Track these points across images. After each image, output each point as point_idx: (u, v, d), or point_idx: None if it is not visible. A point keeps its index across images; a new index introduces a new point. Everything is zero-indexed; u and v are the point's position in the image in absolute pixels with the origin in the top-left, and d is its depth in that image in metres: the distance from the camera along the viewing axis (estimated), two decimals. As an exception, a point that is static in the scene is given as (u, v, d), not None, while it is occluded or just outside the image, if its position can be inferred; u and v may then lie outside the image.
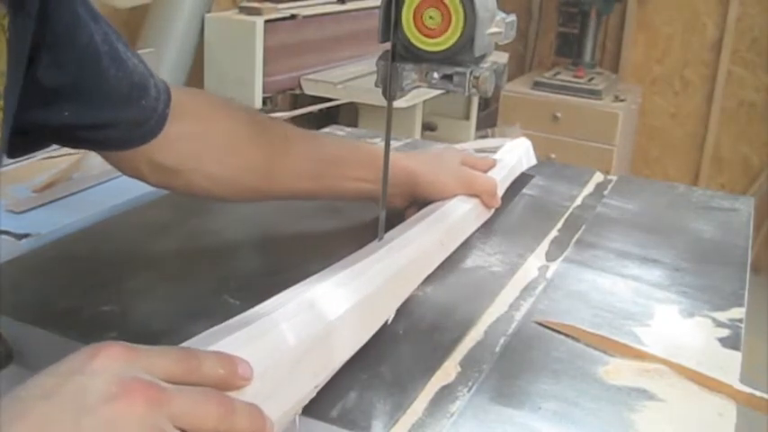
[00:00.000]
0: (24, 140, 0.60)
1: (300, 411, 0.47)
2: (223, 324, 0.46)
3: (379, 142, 1.04)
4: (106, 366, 0.36)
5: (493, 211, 0.83)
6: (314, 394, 0.48)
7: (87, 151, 0.96)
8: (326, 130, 1.15)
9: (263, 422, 0.40)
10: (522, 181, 0.93)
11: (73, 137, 0.63)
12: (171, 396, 0.37)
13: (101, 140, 0.64)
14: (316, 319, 0.50)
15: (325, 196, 0.77)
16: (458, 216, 0.76)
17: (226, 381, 0.40)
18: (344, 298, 0.54)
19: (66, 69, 0.57)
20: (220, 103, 0.73)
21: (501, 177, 0.85)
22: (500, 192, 0.84)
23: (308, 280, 0.56)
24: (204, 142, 0.69)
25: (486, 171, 0.84)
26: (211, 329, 0.46)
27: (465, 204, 0.78)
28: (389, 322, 0.59)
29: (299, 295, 0.52)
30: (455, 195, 0.78)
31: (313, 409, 0.48)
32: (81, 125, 0.61)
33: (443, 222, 0.73)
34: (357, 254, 0.62)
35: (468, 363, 0.56)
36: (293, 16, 2.11)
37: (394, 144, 0.88)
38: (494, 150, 0.96)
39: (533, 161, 1.00)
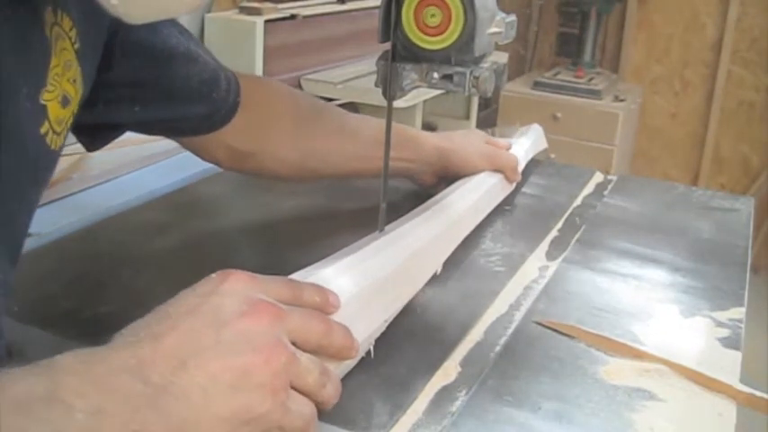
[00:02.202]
0: (102, 134, 0.67)
1: (373, 343, 0.54)
2: (309, 267, 0.54)
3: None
4: (235, 288, 0.44)
5: (515, 185, 0.90)
6: (384, 328, 0.56)
7: (87, 151, 0.96)
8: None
9: (353, 341, 0.48)
10: (530, 169, 0.97)
11: (145, 128, 0.71)
12: (287, 314, 0.44)
13: (173, 130, 0.72)
14: (382, 264, 0.58)
15: (370, 175, 0.82)
16: (487, 187, 0.83)
17: (321, 307, 0.48)
18: (402, 249, 0.62)
19: (140, 74, 0.63)
20: (284, 90, 0.80)
21: (520, 156, 0.92)
22: (520, 169, 0.91)
23: (359, 242, 0.61)
24: (273, 127, 0.75)
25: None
26: (300, 271, 0.53)
27: (491, 178, 0.86)
28: (438, 273, 0.68)
29: (368, 245, 0.60)
30: (482, 171, 0.85)
31: (313, 409, 0.48)
32: (152, 120, 0.68)
33: (475, 192, 0.81)
34: (357, 243, 0.62)
35: (468, 363, 0.56)
36: (293, 16, 2.11)
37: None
38: None
39: (545, 145, 1.06)
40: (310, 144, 0.77)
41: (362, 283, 0.54)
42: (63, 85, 0.49)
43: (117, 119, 0.66)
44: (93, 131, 0.66)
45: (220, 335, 0.41)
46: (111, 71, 0.60)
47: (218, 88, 0.69)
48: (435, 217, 0.71)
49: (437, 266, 0.68)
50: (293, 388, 0.43)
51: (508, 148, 0.92)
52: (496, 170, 0.87)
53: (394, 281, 0.58)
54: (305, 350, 0.44)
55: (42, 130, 0.47)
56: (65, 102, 0.49)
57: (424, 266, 0.66)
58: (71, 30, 0.50)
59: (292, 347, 0.43)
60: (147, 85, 0.65)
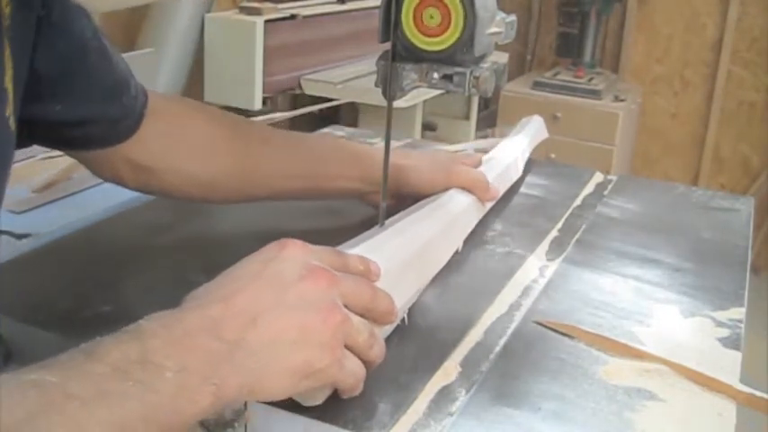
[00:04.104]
0: (23, 134, 0.61)
1: (407, 312, 0.58)
2: (350, 240, 0.58)
3: (379, 142, 1.04)
4: (293, 255, 0.47)
5: (489, 206, 0.81)
6: (415, 299, 0.60)
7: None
8: (326, 130, 1.15)
9: (394, 306, 0.52)
10: (529, 169, 0.97)
11: (58, 134, 0.64)
12: (340, 279, 0.48)
13: (82, 138, 0.65)
14: (414, 239, 0.62)
15: (312, 196, 0.78)
16: (458, 207, 0.75)
17: (364, 275, 0.52)
18: (429, 227, 0.66)
19: (60, 62, 0.59)
20: (197, 106, 0.74)
21: (497, 172, 0.84)
22: (515, 176, 0.91)
23: (362, 235, 0.62)
24: (180, 141, 0.70)
25: (474, 167, 0.82)
26: (344, 244, 0.57)
27: (462, 197, 0.77)
28: (459, 251, 0.72)
29: (396, 224, 0.64)
30: (440, 188, 0.77)
31: (313, 408, 0.48)
32: (69, 121, 0.63)
33: (444, 209, 0.73)
34: (359, 237, 0.62)
35: (468, 363, 0.56)
36: (293, 16, 2.12)
37: (394, 144, 0.88)
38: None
39: (546, 135, 1.06)
40: (227, 163, 0.72)
41: (396, 257, 0.58)
42: (7, 64, 0.50)
43: (35, 116, 0.60)
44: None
45: (283, 296, 0.44)
46: (35, 57, 0.56)
47: (128, 92, 0.65)
48: (447, 204, 0.73)
49: (457, 245, 0.72)
50: (345, 347, 0.46)
51: (476, 165, 0.83)
52: (464, 188, 0.78)
53: (422, 254, 0.62)
54: (354, 313, 0.48)
55: (7, 113, 0.48)
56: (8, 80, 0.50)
57: (448, 243, 0.69)
58: (7, 5, 0.50)
59: (345, 309, 0.47)
60: (66, 77, 0.61)
